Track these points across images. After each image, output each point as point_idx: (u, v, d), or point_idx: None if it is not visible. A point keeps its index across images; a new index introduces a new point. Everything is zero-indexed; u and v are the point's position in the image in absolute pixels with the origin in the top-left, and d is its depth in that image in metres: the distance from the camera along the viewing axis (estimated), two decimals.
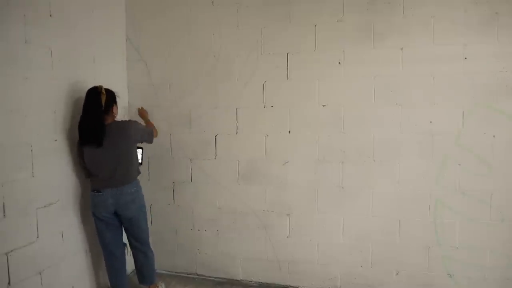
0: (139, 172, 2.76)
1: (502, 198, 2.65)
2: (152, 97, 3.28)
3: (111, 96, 2.58)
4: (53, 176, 2.49)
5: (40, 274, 2.37)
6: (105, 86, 2.55)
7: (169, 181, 3.31)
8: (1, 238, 2.10)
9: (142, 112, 3.21)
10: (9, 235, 2.15)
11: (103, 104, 2.49)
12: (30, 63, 2.27)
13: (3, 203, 2.10)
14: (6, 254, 2.12)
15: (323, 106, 2.91)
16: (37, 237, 2.35)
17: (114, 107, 2.62)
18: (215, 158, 3.19)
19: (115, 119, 2.63)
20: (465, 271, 2.74)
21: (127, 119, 2.83)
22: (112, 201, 2.58)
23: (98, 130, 2.47)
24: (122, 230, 2.79)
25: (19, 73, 2.20)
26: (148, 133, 2.80)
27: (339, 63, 2.86)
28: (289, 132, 3.01)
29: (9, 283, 2.14)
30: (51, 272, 2.47)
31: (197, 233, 3.31)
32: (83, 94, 2.52)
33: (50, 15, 2.44)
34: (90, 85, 2.54)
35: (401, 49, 2.73)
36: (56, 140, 2.50)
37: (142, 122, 3.07)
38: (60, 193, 2.55)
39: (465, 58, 2.63)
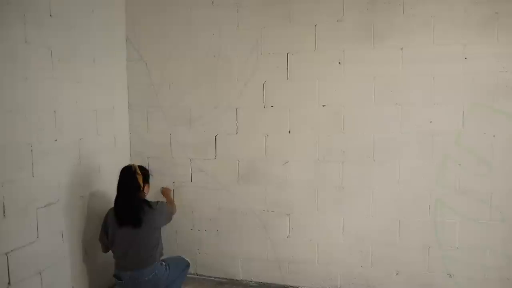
0: (161, 254, 2.65)
1: (502, 198, 2.65)
2: (152, 97, 3.28)
3: (145, 176, 2.60)
4: (53, 176, 2.49)
5: (40, 274, 2.37)
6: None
7: (169, 181, 3.31)
8: (1, 238, 2.09)
9: (165, 191, 3.22)
10: (9, 235, 2.14)
11: (141, 184, 2.52)
12: (30, 63, 2.27)
13: (3, 203, 2.10)
14: (6, 254, 2.12)
15: (323, 106, 2.91)
16: (37, 237, 2.35)
17: (146, 187, 2.62)
18: (215, 158, 3.19)
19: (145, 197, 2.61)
20: (465, 271, 2.74)
21: (156, 201, 2.66)
22: None
23: (136, 211, 2.46)
24: None
25: (19, 73, 2.20)
26: (168, 219, 2.77)
27: (339, 63, 2.86)
28: (289, 132, 3.00)
29: (9, 283, 2.13)
30: (51, 272, 2.46)
31: (197, 233, 3.31)
32: (83, 94, 2.50)
33: (50, 15, 2.44)
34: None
35: (401, 49, 2.73)
36: (56, 140, 2.50)
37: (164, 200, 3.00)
38: (60, 193, 2.55)
39: (465, 58, 2.63)
